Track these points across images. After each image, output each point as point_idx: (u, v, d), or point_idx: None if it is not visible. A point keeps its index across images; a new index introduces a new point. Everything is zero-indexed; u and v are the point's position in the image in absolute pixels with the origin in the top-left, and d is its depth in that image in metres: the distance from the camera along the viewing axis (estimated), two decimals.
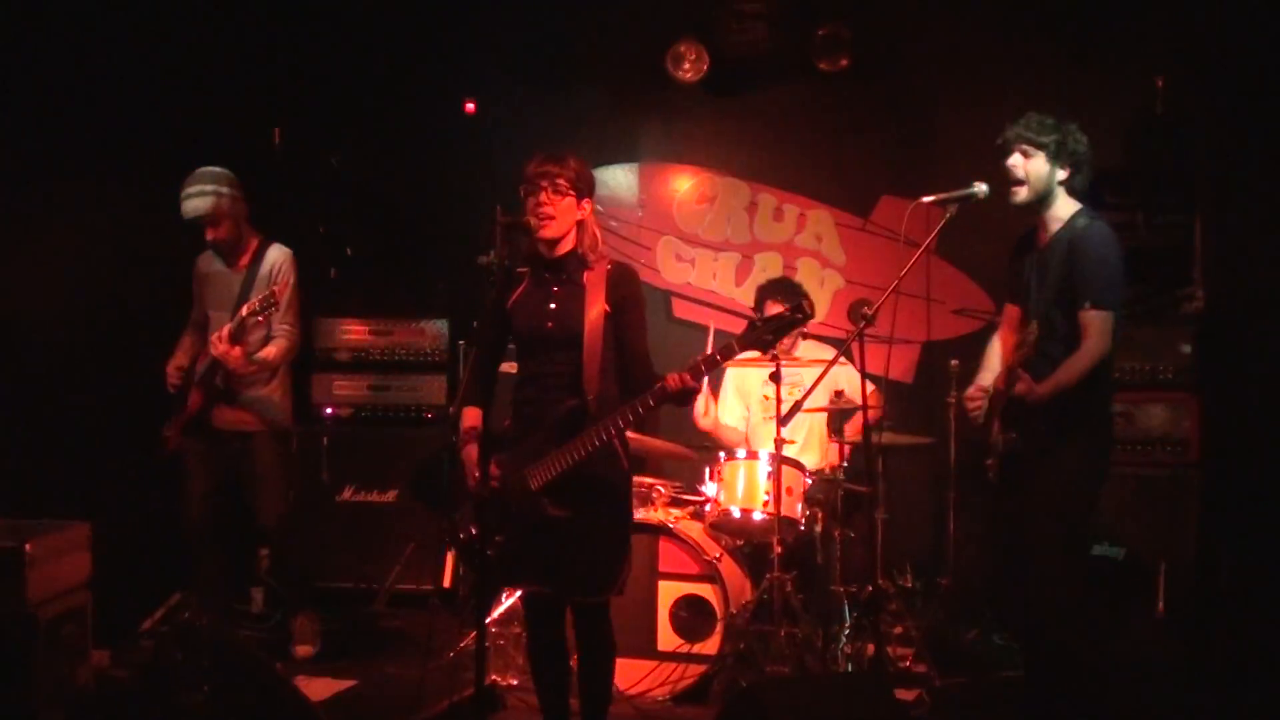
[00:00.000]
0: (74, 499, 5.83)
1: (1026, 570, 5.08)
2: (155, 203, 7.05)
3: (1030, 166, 5.02)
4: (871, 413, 5.89)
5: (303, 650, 6.58)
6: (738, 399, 7.04)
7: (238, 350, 6.09)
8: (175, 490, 6.49)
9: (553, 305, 4.57)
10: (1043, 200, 5.04)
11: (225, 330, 6.06)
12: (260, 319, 6.10)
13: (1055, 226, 5.05)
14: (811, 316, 4.24)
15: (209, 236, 6.29)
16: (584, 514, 4.46)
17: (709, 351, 4.34)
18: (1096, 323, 4.85)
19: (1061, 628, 4.98)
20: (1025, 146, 5.02)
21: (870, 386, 5.94)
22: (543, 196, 4.49)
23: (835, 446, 6.56)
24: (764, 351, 4.35)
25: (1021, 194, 5.04)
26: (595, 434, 4.36)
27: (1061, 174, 5.02)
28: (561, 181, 4.49)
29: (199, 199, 6.19)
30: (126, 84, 6.92)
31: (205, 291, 6.49)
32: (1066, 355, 4.89)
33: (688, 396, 4.37)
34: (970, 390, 5.33)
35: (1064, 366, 4.87)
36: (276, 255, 6.40)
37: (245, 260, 6.40)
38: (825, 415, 6.61)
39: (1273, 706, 5.85)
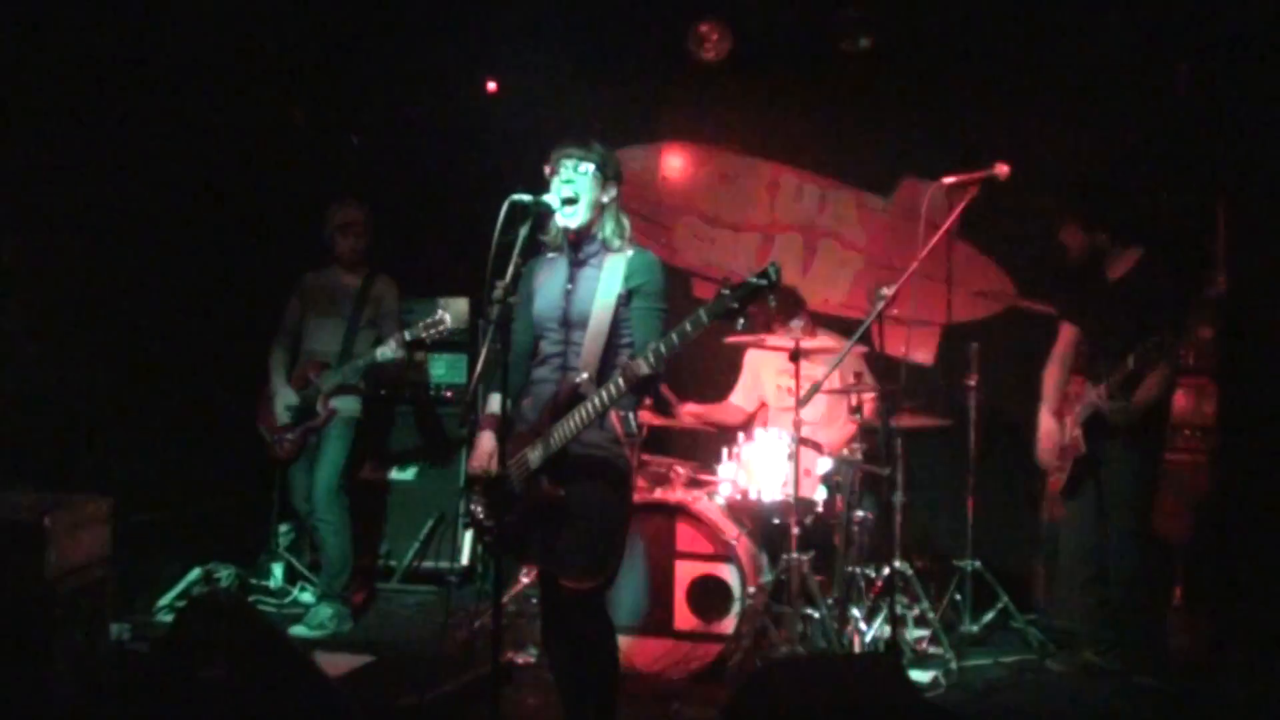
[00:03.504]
0: (97, 474, 5.87)
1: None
2: (178, 188, 7.10)
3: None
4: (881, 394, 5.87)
5: (302, 630, 6.65)
6: (752, 380, 7.05)
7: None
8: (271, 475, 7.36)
9: (569, 287, 4.56)
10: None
11: (397, 339, 6.78)
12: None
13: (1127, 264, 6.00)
14: (778, 281, 4.03)
15: (347, 247, 7.02)
16: (576, 497, 4.41)
17: (676, 329, 4.14)
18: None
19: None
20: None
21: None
22: (566, 177, 4.49)
23: (851, 426, 6.56)
24: (734, 320, 4.16)
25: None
26: (578, 415, 4.33)
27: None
28: (585, 166, 4.49)
29: (355, 209, 7.06)
30: (146, 64, 6.94)
31: (314, 300, 7.07)
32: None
33: (649, 382, 4.25)
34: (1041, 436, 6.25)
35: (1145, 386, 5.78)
36: (389, 283, 7.14)
37: (357, 280, 7.07)
38: (842, 397, 6.59)
39: None
